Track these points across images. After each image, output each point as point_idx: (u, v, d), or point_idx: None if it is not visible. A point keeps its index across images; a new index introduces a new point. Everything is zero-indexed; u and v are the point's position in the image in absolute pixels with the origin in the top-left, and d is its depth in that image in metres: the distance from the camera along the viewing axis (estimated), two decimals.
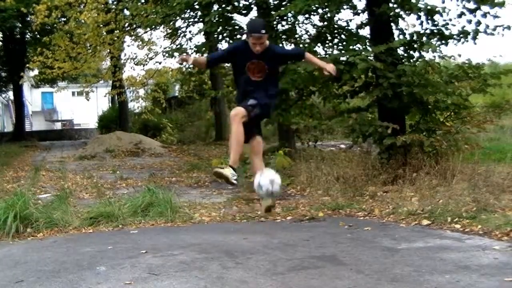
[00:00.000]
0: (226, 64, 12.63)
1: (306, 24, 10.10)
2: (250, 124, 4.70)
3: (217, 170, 4.66)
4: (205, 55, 9.66)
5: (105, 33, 15.03)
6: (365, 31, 8.43)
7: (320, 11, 8.90)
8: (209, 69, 4.99)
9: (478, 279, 3.11)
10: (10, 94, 29.55)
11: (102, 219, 5.27)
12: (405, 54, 7.43)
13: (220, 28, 9.72)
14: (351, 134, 7.25)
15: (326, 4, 7.91)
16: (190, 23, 12.83)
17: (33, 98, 44.04)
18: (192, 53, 10.97)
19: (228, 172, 4.54)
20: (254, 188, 4.79)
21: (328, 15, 8.80)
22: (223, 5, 9.55)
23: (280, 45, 8.73)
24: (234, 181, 4.61)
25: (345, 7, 8.23)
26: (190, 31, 13.92)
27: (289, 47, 10.07)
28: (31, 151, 17.13)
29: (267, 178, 4.60)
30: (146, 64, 17.68)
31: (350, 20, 9.16)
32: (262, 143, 4.94)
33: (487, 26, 7.15)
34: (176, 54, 10.72)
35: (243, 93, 4.85)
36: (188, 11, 10.70)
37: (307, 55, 5.04)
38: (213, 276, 3.36)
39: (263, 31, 4.65)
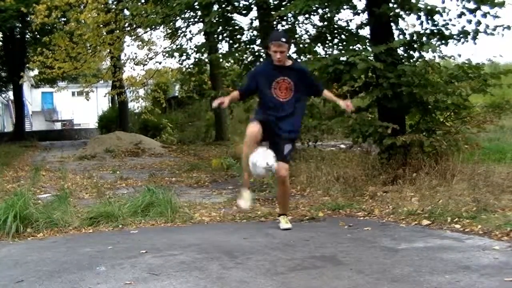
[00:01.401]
0: (226, 64, 12.70)
1: (306, 24, 10.13)
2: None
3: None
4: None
5: (105, 33, 15.04)
6: (365, 31, 8.45)
7: (320, 11, 8.91)
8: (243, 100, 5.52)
9: (478, 279, 3.11)
10: (10, 94, 29.59)
11: (102, 219, 5.26)
12: (405, 54, 7.43)
13: (220, 28, 9.74)
14: (351, 134, 7.25)
15: (326, 4, 7.91)
16: (190, 23, 12.85)
17: (33, 98, 44.09)
18: (192, 53, 11.00)
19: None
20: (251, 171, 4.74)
21: (328, 15, 8.81)
22: (223, 5, 9.56)
23: None
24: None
25: (345, 7, 8.22)
26: (190, 31, 13.98)
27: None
28: (31, 151, 17.13)
29: (259, 155, 4.62)
30: (146, 64, 17.74)
31: (350, 20, 9.19)
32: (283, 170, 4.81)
33: (487, 26, 7.14)
34: (176, 54, 10.73)
35: (266, 109, 4.84)
36: (188, 11, 10.71)
37: (325, 92, 5.17)
38: (213, 276, 3.36)
39: (283, 39, 4.76)
